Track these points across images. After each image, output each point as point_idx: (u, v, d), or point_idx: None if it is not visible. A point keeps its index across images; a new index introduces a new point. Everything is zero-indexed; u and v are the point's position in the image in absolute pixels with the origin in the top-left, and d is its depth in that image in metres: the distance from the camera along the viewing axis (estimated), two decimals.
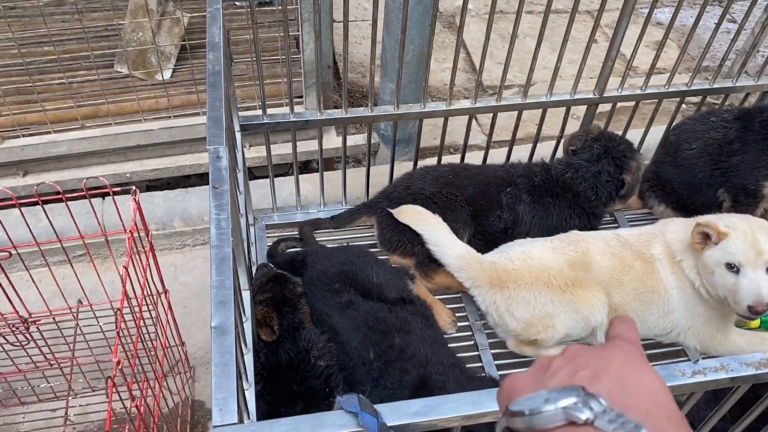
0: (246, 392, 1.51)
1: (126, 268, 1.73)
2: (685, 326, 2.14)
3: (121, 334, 1.71)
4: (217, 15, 1.75)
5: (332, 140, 3.27)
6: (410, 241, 2.30)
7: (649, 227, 2.24)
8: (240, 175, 1.97)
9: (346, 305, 2.01)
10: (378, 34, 3.05)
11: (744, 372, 1.11)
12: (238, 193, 1.91)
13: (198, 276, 2.87)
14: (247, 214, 2.17)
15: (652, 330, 2.17)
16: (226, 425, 0.99)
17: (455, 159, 2.68)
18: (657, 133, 2.66)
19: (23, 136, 2.94)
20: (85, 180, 1.89)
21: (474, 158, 2.75)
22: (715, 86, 2.46)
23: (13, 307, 2.10)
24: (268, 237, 2.51)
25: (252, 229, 2.46)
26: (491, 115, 2.43)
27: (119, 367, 1.55)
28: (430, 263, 2.30)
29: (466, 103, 2.36)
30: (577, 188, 2.24)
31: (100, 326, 2.24)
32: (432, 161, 2.65)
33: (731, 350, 2.10)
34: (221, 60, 1.60)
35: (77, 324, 2.19)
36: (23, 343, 2.28)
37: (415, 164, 2.55)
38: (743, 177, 2.31)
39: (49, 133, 2.94)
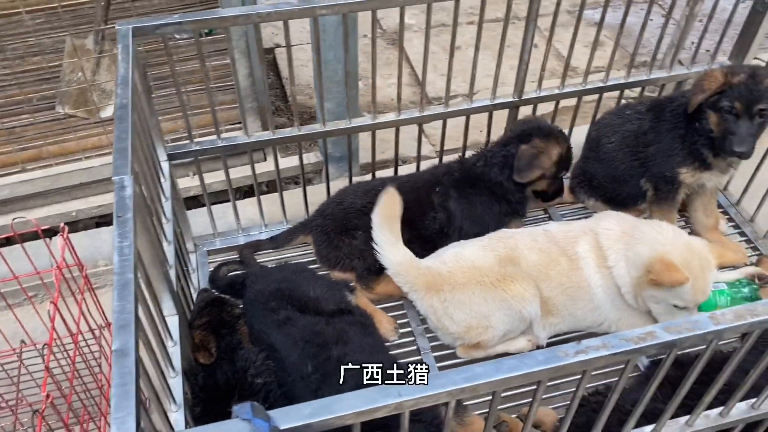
0: (174, 414, 1.55)
1: (55, 305, 1.76)
2: (614, 319, 2.21)
3: (60, 370, 1.74)
4: (127, 50, 1.81)
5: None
6: (347, 255, 2.35)
7: (579, 223, 2.29)
8: (168, 204, 2.02)
9: (283, 322, 2.05)
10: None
11: (624, 347, 1.17)
12: (165, 221, 1.95)
13: None
14: (181, 241, 2.21)
15: (583, 323, 2.24)
16: None
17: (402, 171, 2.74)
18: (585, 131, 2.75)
19: None
20: (12, 222, 1.91)
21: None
22: (631, 80, 2.56)
23: None
24: (210, 263, 2.54)
25: (193, 256, 2.50)
26: (440, 125, 2.53)
27: (49, 401, 1.58)
28: (369, 275, 2.36)
29: (391, 116, 2.44)
30: (488, 175, 2.31)
31: (46, 366, 2.25)
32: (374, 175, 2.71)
33: None
34: (129, 94, 1.64)
35: (21, 364, 2.20)
36: None
37: (350, 179, 2.61)
38: (660, 165, 2.39)
39: None
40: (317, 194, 2.69)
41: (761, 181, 2.58)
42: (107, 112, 3.33)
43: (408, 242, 2.23)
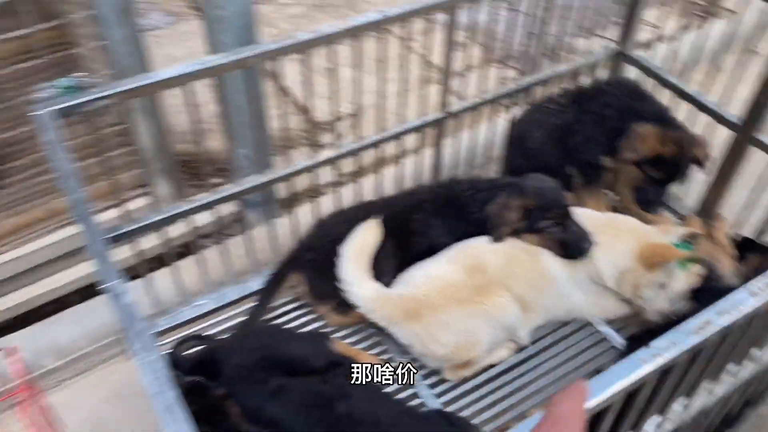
0: None
1: None
2: (582, 302, 2.29)
3: None
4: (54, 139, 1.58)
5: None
6: (338, 286, 2.21)
7: None
8: None
9: (277, 391, 1.91)
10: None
11: (690, 341, 1.20)
12: None
13: (88, 412, 2.57)
14: None
15: (555, 314, 2.31)
16: None
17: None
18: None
19: None
20: None
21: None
22: (536, 78, 2.69)
23: None
24: (161, 344, 2.31)
25: None
26: None
27: None
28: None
29: (309, 160, 2.36)
30: (471, 207, 2.29)
31: None
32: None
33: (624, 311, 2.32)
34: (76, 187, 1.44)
35: None
36: None
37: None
38: (586, 154, 2.53)
39: None
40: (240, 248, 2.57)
41: None
42: None
43: (398, 267, 2.22)
